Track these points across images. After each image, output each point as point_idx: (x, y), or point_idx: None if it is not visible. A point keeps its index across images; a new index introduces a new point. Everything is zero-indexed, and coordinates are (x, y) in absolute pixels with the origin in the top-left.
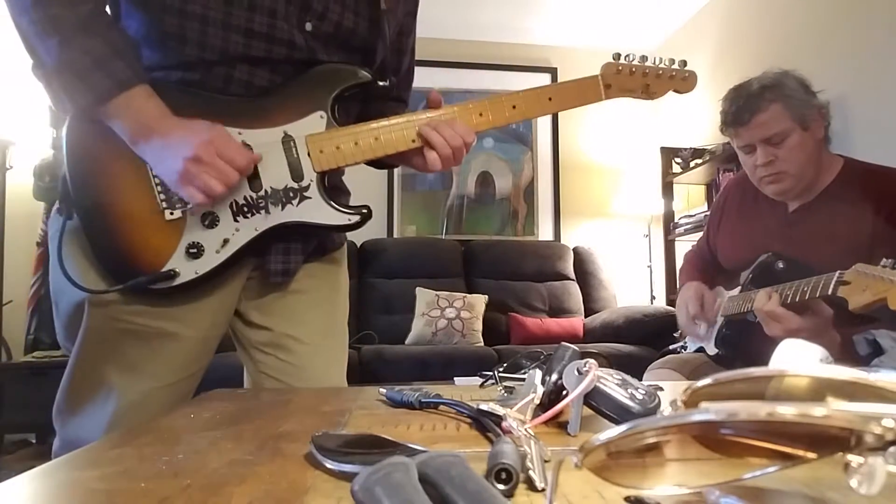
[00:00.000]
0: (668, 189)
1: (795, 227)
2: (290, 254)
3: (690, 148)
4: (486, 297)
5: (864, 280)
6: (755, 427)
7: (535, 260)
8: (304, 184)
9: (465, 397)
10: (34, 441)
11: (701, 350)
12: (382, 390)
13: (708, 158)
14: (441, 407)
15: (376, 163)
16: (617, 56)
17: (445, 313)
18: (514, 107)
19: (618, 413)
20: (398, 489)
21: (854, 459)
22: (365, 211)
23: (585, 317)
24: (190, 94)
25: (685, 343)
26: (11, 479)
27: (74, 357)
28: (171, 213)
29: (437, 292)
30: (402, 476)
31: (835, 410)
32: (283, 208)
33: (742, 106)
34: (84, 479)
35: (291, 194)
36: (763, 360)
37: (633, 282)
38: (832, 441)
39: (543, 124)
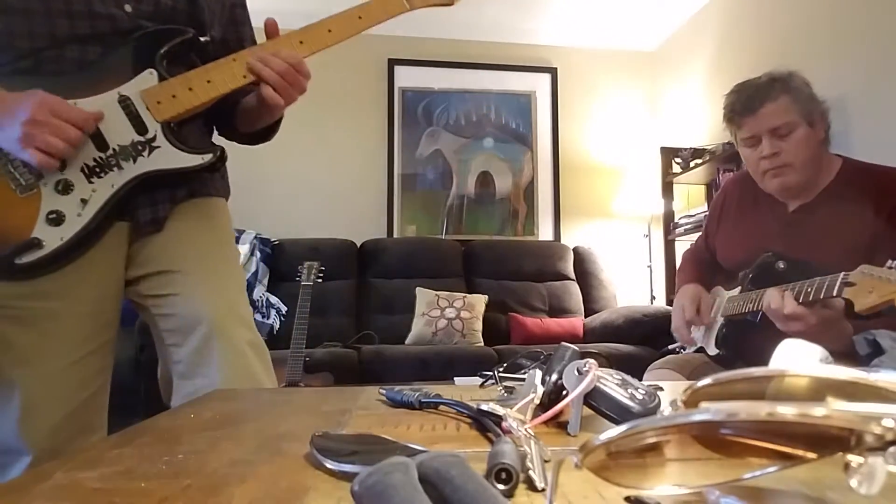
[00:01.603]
0: (668, 189)
1: (795, 227)
2: (157, 203)
3: (690, 148)
4: (486, 297)
5: (870, 282)
6: (755, 427)
7: (535, 260)
8: (150, 135)
9: (465, 397)
10: None
11: (701, 350)
12: (382, 390)
13: (708, 158)
14: (441, 407)
15: (249, 136)
16: None
17: (445, 313)
18: (329, 30)
19: (618, 413)
20: (398, 489)
21: (854, 459)
22: (218, 151)
23: (585, 317)
24: (24, 80)
25: (684, 343)
26: (11, 479)
27: None
28: (23, 190)
29: (437, 292)
30: (402, 476)
31: (835, 410)
32: (135, 161)
33: (752, 95)
34: (84, 479)
35: (140, 147)
36: (763, 360)
37: (633, 282)
38: (832, 441)
39: (543, 124)
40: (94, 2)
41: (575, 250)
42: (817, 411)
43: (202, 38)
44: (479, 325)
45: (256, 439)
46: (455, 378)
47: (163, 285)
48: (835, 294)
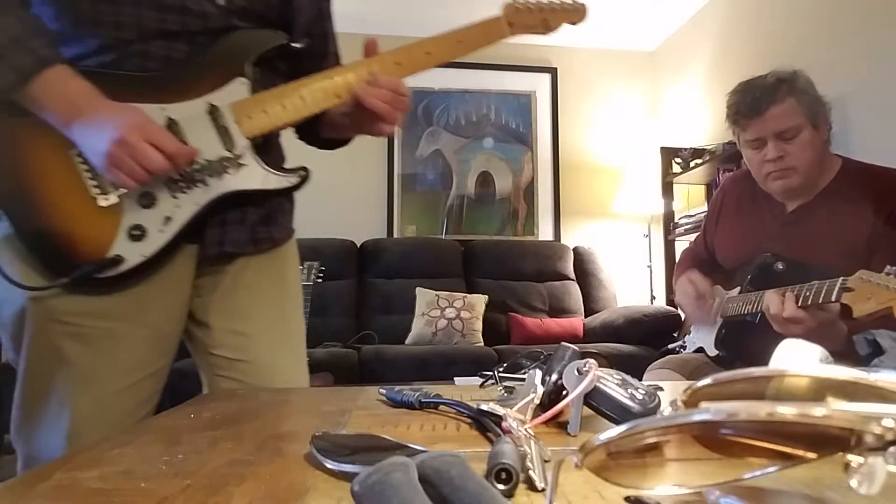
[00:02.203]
0: (668, 189)
1: (794, 227)
2: (226, 225)
3: (690, 148)
4: (486, 297)
5: (869, 288)
6: (755, 427)
7: (535, 260)
8: (237, 152)
9: (465, 397)
10: None
11: (701, 350)
12: (382, 390)
13: (708, 158)
14: (441, 407)
15: (329, 142)
16: None
17: (445, 313)
18: (427, 53)
19: (618, 413)
20: (398, 489)
21: (854, 459)
22: (304, 172)
23: (585, 317)
24: (108, 76)
25: (684, 343)
26: (11, 479)
27: (22, 370)
28: (106, 199)
29: (437, 292)
30: (402, 476)
31: (835, 410)
32: (221, 178)
33: (759, 97)
34: (84, 479)
35: (227, 164)
36: (763, 361)
37: (633, 282)
38: (832, 441)
39: (543, 124)
40: None
41: (575, 250)
42: (817, 411)
43: (296, 45)
44: (479, 325)
45: (256, 439)
46: (455, 378)
47: (233, 348)
48: (833, 299)
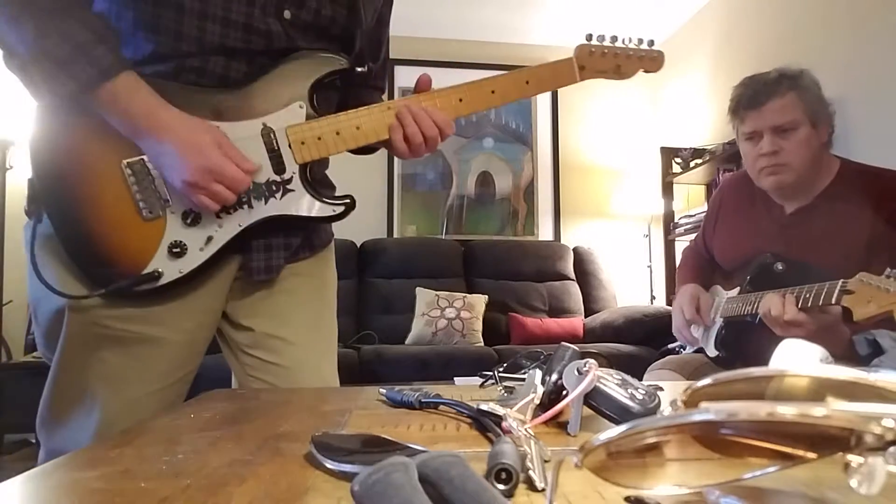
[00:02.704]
0: (668, 189)
1: (793, 229)
2: (272, 250)
3: (690, 148)
4: (486, 297)
5: (869, 291)
6: (755, 427)
7: (535, 260)
8: (286, 176)
9: (465, 397)
10: (34, 441)
11: (701, 351)
12: (382, 390)
13: (708, 158)
14: (441, 407)
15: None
16: (589, 37)
17: (445, 313)
18: (492, 91)
19: (618, 413)
20: (398, 489)
21: (854, 459)
22: (349, 201)
23: (585, 317)
24: (163, 85)
25: (684, 343)
26: (11, 479)
27: (55, 366)
28: (150, 213)
29: (437, 292)
30: (402, 476)
31: (835, 410)
32: (266, 202)
33: (759, 90)
34: (84, 479)
35: (274, 188)
36: (763, 361)
37: (633, 282)
38: (832, 441)
39: (543, 124)
40: (254, 13)
41: (575, 250)
42: (817, 411)
43: (359, 69)
44: (479, 325)
45: (256, 439)
46: (455, 378)
47: (269, 351)
48: (833, 301)
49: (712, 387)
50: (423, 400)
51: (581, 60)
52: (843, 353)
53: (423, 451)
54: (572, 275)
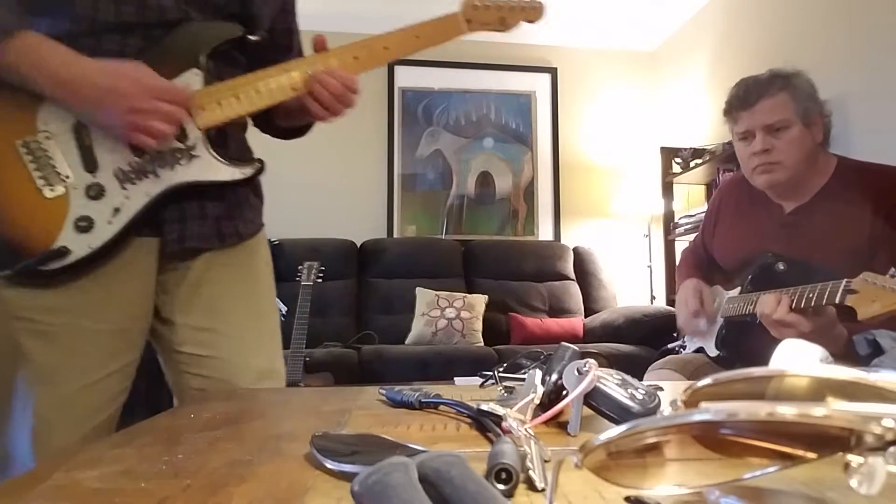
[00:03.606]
0: (668, 189)
1: (792, 229)
2: (186, 221)
3: (690, 148)
4: (486, 297)
5: (873, 290)
6: (755, 427)
7: (535, 260)
8: (190, 143)
9: (465, 397)
10: None
11: (701, 350)
12: (382, 390)
13: (708, 158)
14: (441, 407)
15: (286, 131)
16: None
17: (445, 313)
18: (385, 48)
19: (618, 413)
20: (398, 489)
21: (854, 459)
22: (259, 164)
23: (585, 317)
24: None
25: (684, 343)
26: (11, 479)
27: None
28: (52, 190)
29: (437, 292)
30: (402, 476)
31: (835, 410)
32: (172, 169)
33: (751, 90)
34: (84, 479)
35: (178, 154)
36: (763, 361)
37: (633, 282)
38: (832, 441)
39: (543, 124)
40: None
41: (575, 250)
42: (817, 411)
43: (252, 37)
44: (479, 325)
45: (256, 439)
46: (455, 378)
47: (201, 345)
48: (837, 301)
49: (712, 387)
50: (423, 400)
51: (467, 14)
52: (841, 353)
53: (423, 451)
54: (572, 275)
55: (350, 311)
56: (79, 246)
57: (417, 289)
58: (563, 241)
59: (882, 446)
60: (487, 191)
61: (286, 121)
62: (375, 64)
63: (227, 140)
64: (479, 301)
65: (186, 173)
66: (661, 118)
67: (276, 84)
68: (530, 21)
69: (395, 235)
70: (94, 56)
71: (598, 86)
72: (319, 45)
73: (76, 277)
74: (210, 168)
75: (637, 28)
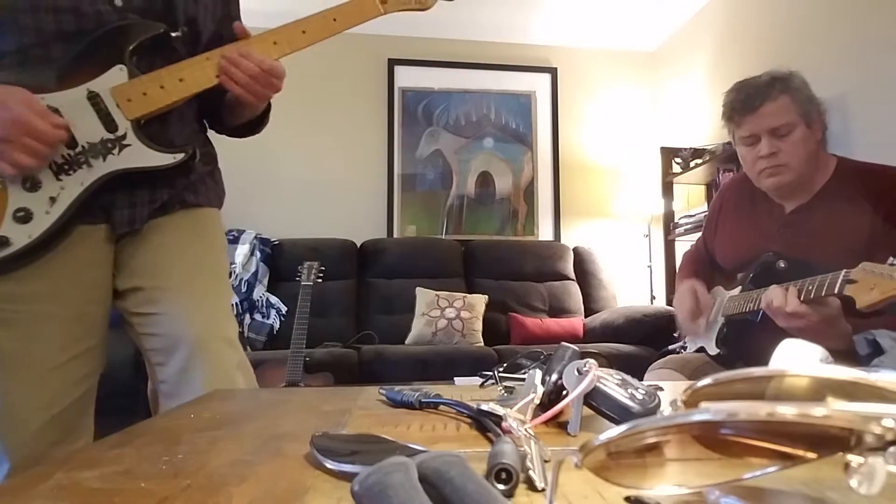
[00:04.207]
0: (668, 189)
1: (793, 228)
2: (135, 206)
3: (690, 148)
4: (486, 297)
5: (872, 279)
6: (755, 427)
7: (535, 260)
8: (119, 133)
9: (465, 397)
10: None
11: (701, 350)
12: (382, 390)
13: (708, 158)
14: (441, 407)
15: (239, 129)
16: None
17: (445, 313)
18: (303, 31)
19: (618, 413)
20: (398, 489)
21: (854, 459)
22: (189, 149)
23: (585, 317)
24: (4, 77)
25: (685, 343)
26: (11, 480)
27: None
28: None
29: (437, 292)
30: (402, 476)
31: (835, 410)
32: (104, 159)
33: (752, 94)
34: (84, 479)
35: (110, 145)
36: (763, 360)
37: (633, 282)
38: (832, 441)
39: (543, 124)
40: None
41: (575, 250)
42: (817, 411)
43: (174, 34)
44: (479, 325)
45: (256, 439)
46: (455, 378)
47: (147, 303)
48: (836, 291)
49: (712, 387)
50: (423, 400)
51: None
52: (846, 349)
53: (423, 451)
54: (572, 275)
55: (350, 311)
56: (19, 236)
57: (417, 289)
58: (563, 241)
59: (882, 446)
60: (487, 191)
61: (234, 118)
62: (295, 48)
63: (163, 128)
64: (479, 301)
65: (119, 161)
66: (661, 118)
67: (200, 71)
68: None
69: (395, 235)
70: (46, 63)
71: (598, 86)
72: (240, 33)
73: (30, 266)
74: (143, 156)
75: (637, 28)
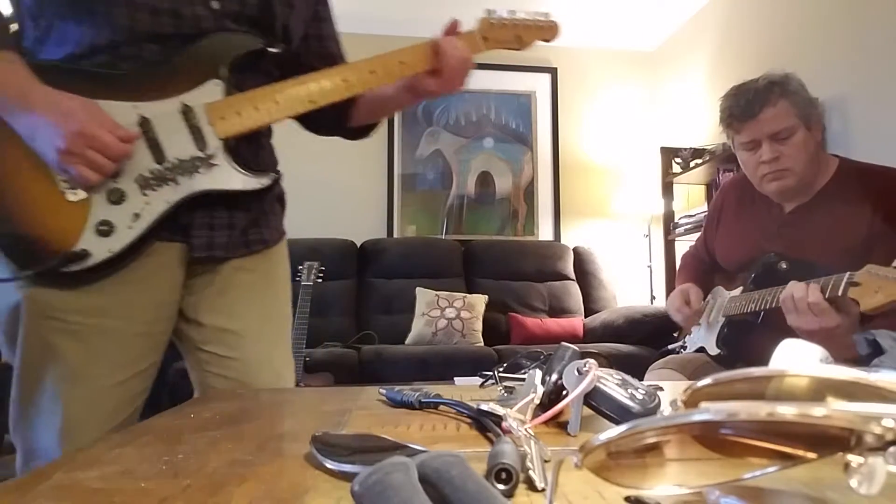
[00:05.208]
0: (668, 189)
1: (792, 228)
2: (214, 229)
3: (690, 148)
4: (486, 297)
5: (877, 281)
6: (755, 427)
7: (535, 260)
8: (209, 151)
9: (465, 397)
10: None
11: (701, 350)
12: (382, 390)
13: (708, 158)
14: (441, 407)
15: (355, 131)
16: (489, 12)
17: (445, 313)
18: (401, 62)
19: (618, 413)
20: (398, 489)
21: (854, 459)
22: (275, 174)
23: (585, 317)
24: (88, 76)
25: (685, 343)
26: (11, 480)
27: (17, 366)
28: (75, 194)
29: (437, 292)
30: (402, 476)
31: (835, 410)
32: (191, 177)
33: (751, 100)
34: (84, 479)
35: (198, 163)
36: (763, 360)
37: (633, 282)
38: (832, 441)
39: (543, 124)
40: (180, 1)
41: (575, 250)
42: (817, 411)
43: (272, 50)
44: (479, 325)
45: (256, 439)
46: (455, 378)
47: (221, 344)
48: (840, 293)
49: (712, 387)
50: (423, 400)
51: (484, 32)
52: (848, 357)
53: (423, 451)
54: (572, 275)
55: (350, 311)
56: (99, 249)
57: (417, 289)
58: (563, 241)
59: (882, 446)
60: (487, 191)
61: (366, 117)
62: (391, 79)
63: (249, 149)
64: (479, 301)
65: (205, 181)
66: (661, 118)
67: (294, 96)
68: (546, 40)
69: (395, 235)
70: (137, 63)
71: (598, 86)
72: (453, 28)
73: (104, 279)
74: (228, 177)
75: (637, 28)
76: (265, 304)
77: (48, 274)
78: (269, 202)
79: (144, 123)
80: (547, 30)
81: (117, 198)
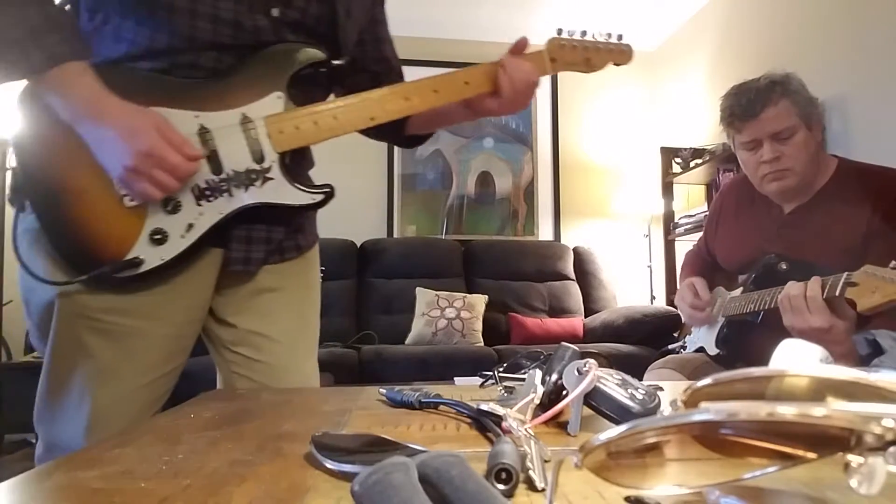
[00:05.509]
0: (668, 189)
1: (792, 229)
2: (252, 242)
3: (690, 148)
4: (486, 297)
5: (874, 282)
6: (755, 427)
7: (535, 260)
8: (265, 165)
9: (465, 397)
10: (34, 441)
11: (701, 350)
12: (382, 390)
13: (708, 158)
14: (441, 407)
15: (411, 139)
16: (560, 31)
17: (445, 313)
18: (466, 83)
19: (618, 413)
20: (398, 489)
21: (854, 459)
22: (328, 190)
23: (585, 317)
24: (148, 79)
25: (685, 343)
26: (11, 479)
27: (48, 359)
28: (132, 201)
29: (437, 292)
30: (402, 476)
31: (835, 410)
32: (246, 190)
33: (753, 99)
34: (84, 479)
35: (254, 176)
36: (763, 361)
37: (633, 282)
38: (832, 441)
39: (543, 124)
40: (242, 11)
41: (575, 250)
42: (817, 411)
43: (335, 62)
44: (479, 325)
45: (256, 439)
46: (455, 378)
47: (252, 347)
48: (837, 293)
49: (712, 387)
50: (423, 400)
51: (552, 53)
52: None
53: (423, 451)
54: (572, 275)
55: (350, 311)
56: (151, 257)
57: (417, 289)
58: (563, 241)
59: (882, 446)
60: (487, 191)
61: (426, 127)
62: (455, 98)
63: (301, 162)
64: (479, 301)
65: (260, 195)
66: (661, 118)
67: (355, 112)
68: (618, 64)
69: (395, 235)
70: (194, 70)
71: (598, 86)
72: (521, 47)
73: (144, 283)
74: (284, 191)
75: (637, 28)
76: (298, 310)
77: (99, 279)
78: (313, 218)
79: (204, 133)
80: (619, 54)
81: (173, 207)
